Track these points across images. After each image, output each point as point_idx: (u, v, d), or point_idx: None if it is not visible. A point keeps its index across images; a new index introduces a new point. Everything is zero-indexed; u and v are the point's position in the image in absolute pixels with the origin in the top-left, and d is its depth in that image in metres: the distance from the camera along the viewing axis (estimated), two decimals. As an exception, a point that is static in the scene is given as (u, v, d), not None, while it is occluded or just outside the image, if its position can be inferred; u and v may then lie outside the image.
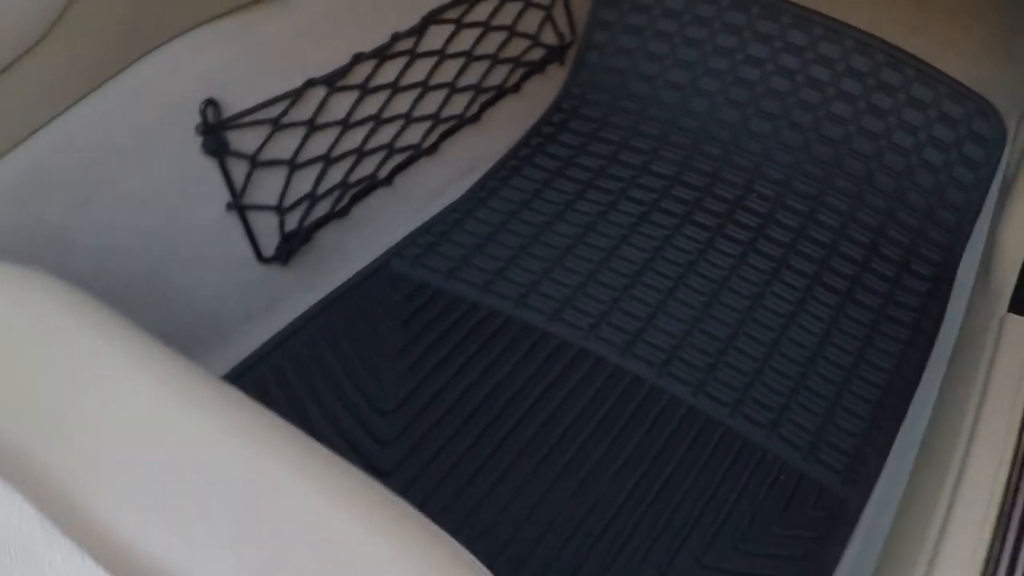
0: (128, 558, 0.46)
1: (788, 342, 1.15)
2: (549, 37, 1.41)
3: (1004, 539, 0.67)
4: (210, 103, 1.01)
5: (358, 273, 1.18)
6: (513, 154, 1.36)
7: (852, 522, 1.00)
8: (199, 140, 1.02)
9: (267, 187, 1.09)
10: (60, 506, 0.48)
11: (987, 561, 0.66)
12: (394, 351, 1.11)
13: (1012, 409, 0.75)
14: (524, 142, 1.37)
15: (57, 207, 0.92)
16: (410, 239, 1.23)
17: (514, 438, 1.04)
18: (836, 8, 1.34)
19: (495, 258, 1.21)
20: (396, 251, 1.21)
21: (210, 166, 1.04)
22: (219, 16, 1.02)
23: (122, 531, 0.47)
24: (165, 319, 1.03)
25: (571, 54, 1.45)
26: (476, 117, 1.33)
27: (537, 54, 1.40)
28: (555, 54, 1.42)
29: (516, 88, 1.38)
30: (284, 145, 1.09)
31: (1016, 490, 0.71)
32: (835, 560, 0.96)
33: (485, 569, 0.49)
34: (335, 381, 1.07)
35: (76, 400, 0.53)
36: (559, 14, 1.41)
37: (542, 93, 1.43)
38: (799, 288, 1.20)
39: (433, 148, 1.28)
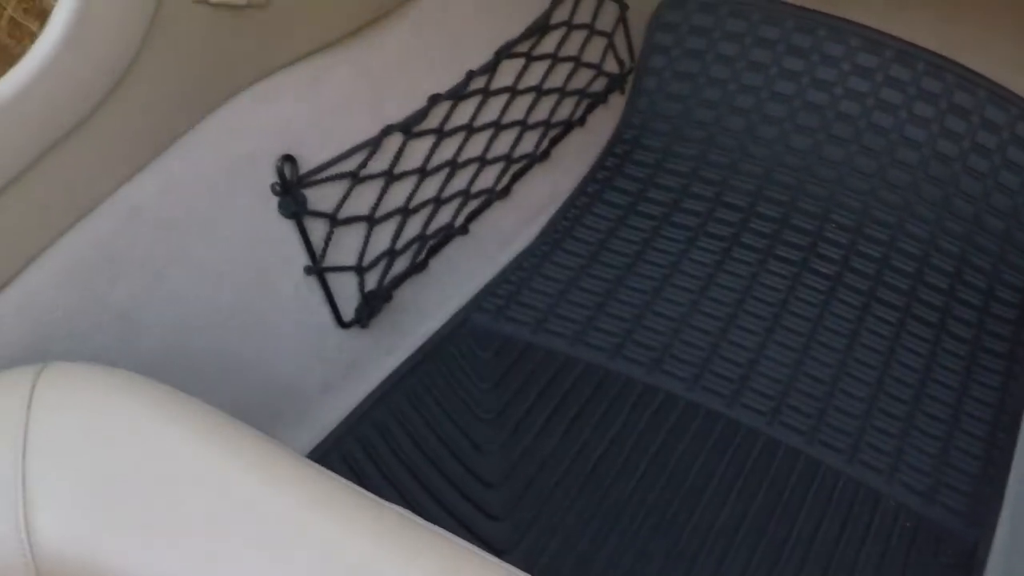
0: None
1: (892, 380, 1.09)
2: (611, 65, 1.34)
3: None
4: (287, 159, 0.92)
5: (439, 331, 1.10)
6: (581, 191, 1.28)
7: (980, 567, 0.95)
8: (274, 201, 0.93)
9: (345, 245, 1.01)
10: None
11: None
12: (490, 415, 1.02)
13: None
14: (591, 177, 1.30)
15: (125, 284, 0.83)
16: (488, 290, 1.15)
17: (633, 504, 0.96)
18: (904, 29, 1.29)
19: (581, 306, 1.14)
20: (476, 304, 1.13)
21: (287, 228, 0.95)
22: (288, 64, 0.94)
23: None
24: (242, 396, 0.95)
25: (631, 81, 1.38)
26: (546, 154, 1.25)
27: (600, 84, 1.33)
28: (616, 82, 1.35)
29: (582, 121, 1.30)
30: (361, 199, 1.01)
31: None
32: None
33: None
34: (431, 452, 0.99)
35: (170, 501, 0.50)
36: (619, 40, 1.34)
37: (604, 124, 1.35)
38: (893, 322, 1.15)
39: (505, 191, 1.20)
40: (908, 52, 1.27)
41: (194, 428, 0.54)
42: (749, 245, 1.22)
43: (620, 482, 0.98)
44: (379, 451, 0.99)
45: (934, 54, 1.27)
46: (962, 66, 1.26)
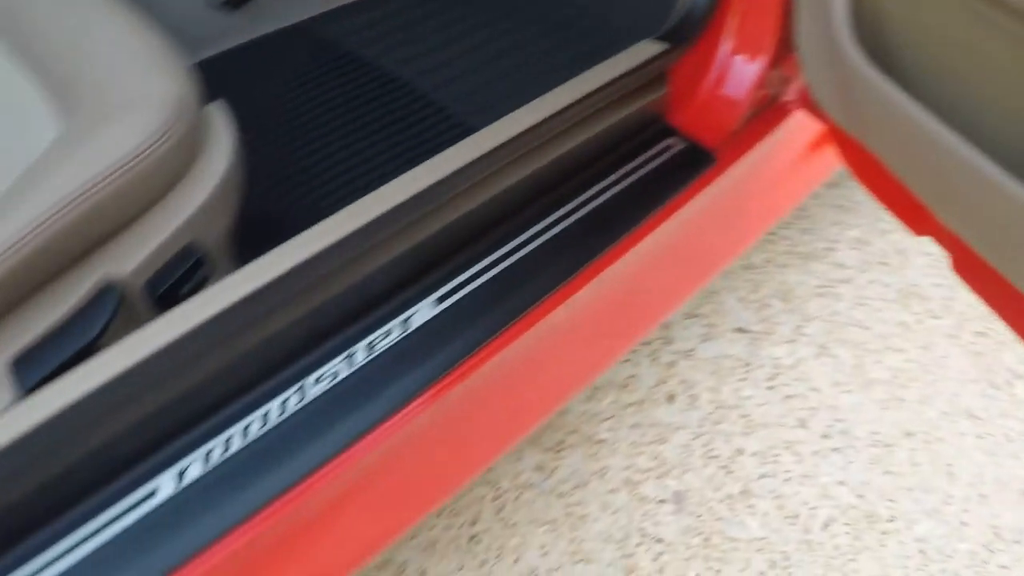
0: None
1: None
2: None
3: None
4: None
5: (291, 27, 1.61)
6: None
7: None
8: None
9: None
10: None
11: None
12: (288, 99, 1.50)
13: None
14: None
15: None
16: (336, 14, 1.64)
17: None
18: None
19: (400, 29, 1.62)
20: (324, 18, 1.63)
21: None
22: None
23: None
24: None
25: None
26: None
27: None
28: None
29: None
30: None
31: None
32: None
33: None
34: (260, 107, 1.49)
35: None
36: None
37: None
38: None
39: None
40: None
41: None
42: None
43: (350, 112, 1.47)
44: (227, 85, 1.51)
45: None
46: None
